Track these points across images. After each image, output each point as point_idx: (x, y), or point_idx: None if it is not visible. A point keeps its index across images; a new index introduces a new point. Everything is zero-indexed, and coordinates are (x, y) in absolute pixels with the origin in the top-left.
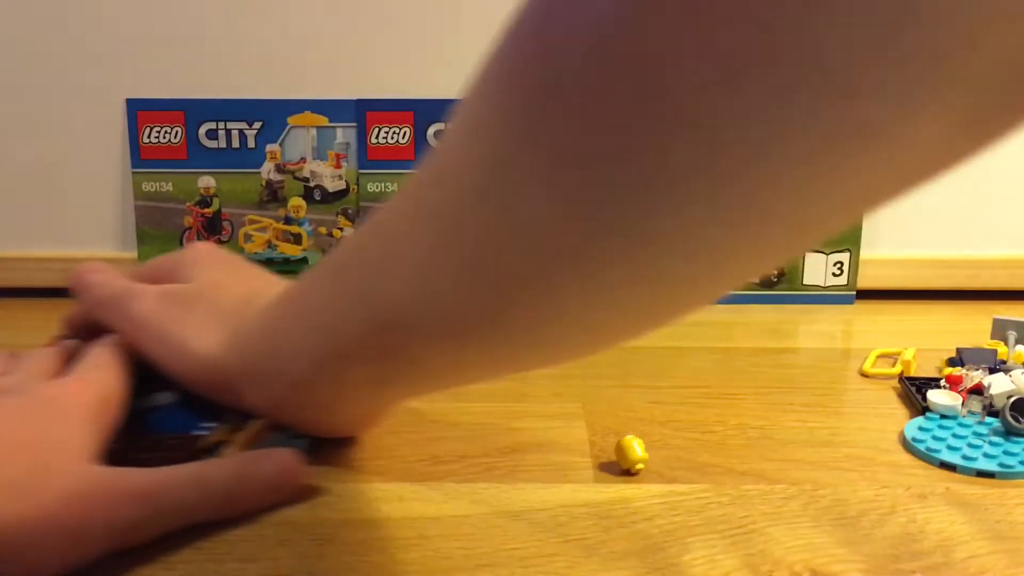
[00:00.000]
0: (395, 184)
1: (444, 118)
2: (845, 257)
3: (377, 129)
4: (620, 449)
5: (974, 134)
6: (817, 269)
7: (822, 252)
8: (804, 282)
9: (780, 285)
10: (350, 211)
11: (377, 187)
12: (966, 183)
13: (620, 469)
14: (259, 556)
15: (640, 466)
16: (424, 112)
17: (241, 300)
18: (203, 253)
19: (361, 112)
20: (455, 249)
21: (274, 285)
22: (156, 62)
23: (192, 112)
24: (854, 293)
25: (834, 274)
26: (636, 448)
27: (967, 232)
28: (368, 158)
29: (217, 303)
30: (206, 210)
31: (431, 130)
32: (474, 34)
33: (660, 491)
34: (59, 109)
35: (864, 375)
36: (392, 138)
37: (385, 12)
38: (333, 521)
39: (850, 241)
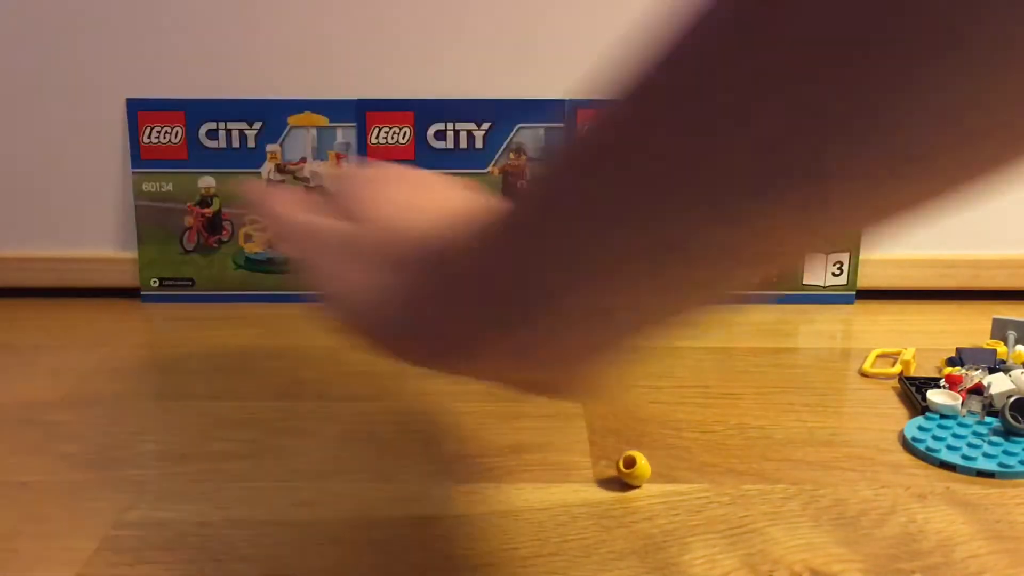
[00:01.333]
0: None
1: (444, 118)
2: (845, 257)
3: (377, 129)
4: (632, 474)
5: None
6: (817, 269)
7: (821, 252)
8: (804, 282)
9: (780, 284)
10: None
11: None
12: None
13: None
14: (259, 556)
15: (642, 481)
16: (424, 112)
17: (417, 236)
18: (364, 174)
19: (361, 112)
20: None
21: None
22: (156, 62)
23: (192, 112)
24: (854, 293)
25: (834, 274)
26: (646, 467)
27: (967, 232)
28: (368, 158)
29: (387, 243)
30: (206, 210)
31: (431, 130)
32: (474, 34)
33: (660, 491)
34: (59, 109)
35: (864, 375)
36: (392, 138)
37: (385, 12)
38: (333, 521)
39: (850, 241)
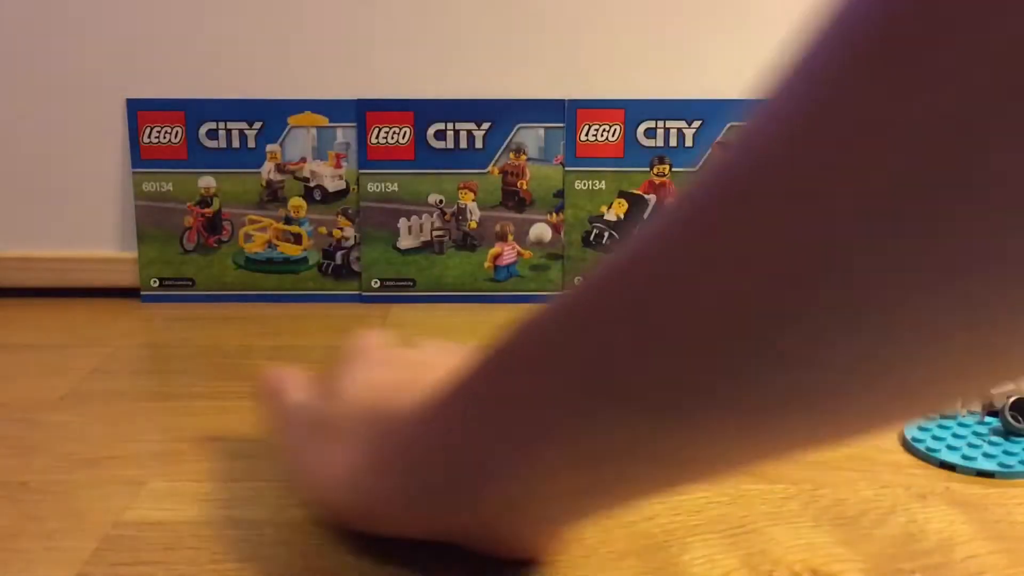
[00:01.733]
0: (395, 184)
1: (444, 118)
2: None
3: (377, 129)
4: None
5: None
6: None
7: None
8: None
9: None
10: (350, 211)
11: (377, 187)
12: None
13: None
14: (259, 556)
15: None
16: (424, 112)
17: (383, 416)
18: (355, 353)
19: (361, 112)
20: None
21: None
22: (156, 62)
23: (192, 112)
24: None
25: None
26: None
27: None
28: (368, 158)
29: (355, 422)
30: (206, 210)
31: (431, 130)
32: (473, 35)
33: None
34: (59, 109)
35: None
36: (392, 138)
37: (386, 12)
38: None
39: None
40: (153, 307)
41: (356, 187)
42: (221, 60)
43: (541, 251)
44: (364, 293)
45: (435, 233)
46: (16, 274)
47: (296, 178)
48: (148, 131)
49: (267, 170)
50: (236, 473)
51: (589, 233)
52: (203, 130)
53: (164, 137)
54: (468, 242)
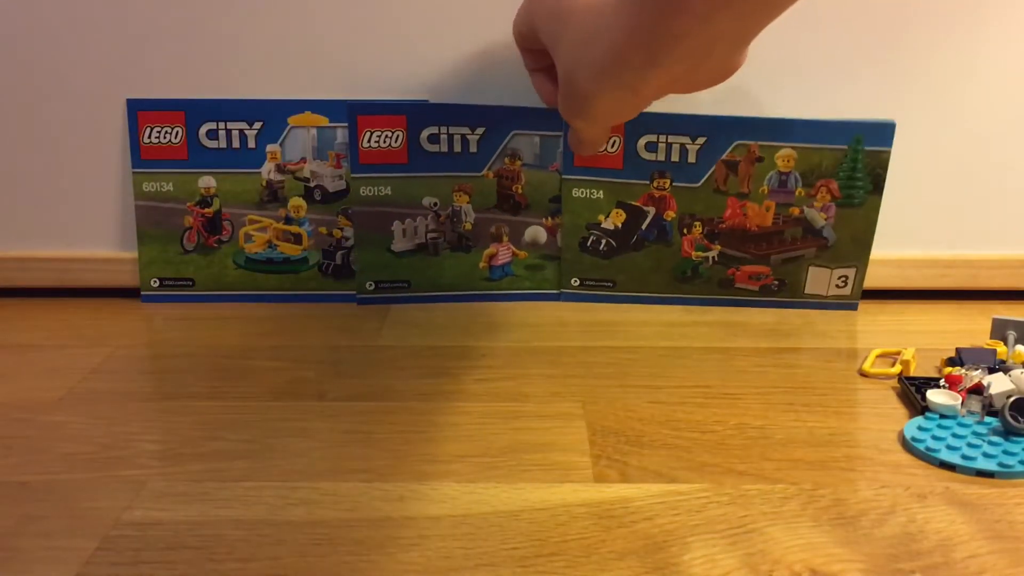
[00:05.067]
0: (388, 187)
1: (437, 122)
2: (851, 272)
3: (369, 133)
4: None
5: None
6: (820, 281)
7: (827, 267)
8: (807, 291)
9: (781, 293)
10: (350, 211)
11: (370, 191)
12: (966, 183)
13: (619, 469)
14: (259, 556)
15: None
16: (417, 116)
17: None
18: None
19: (352, 116)
20: None
21: None
22: (156, 62)
23: (192, 112)
24: (857, 302)
25: (838, 286)
26: None
27: (967, 232)
28: (360, 162)
29: None
30: (206, 210)
31: (424, 134)
32: (475, 39)
33: (660, 491)
34: (59, 109)
35: (864, 375)
36: (384, 142)
37: (386, 12)
38: (333, 521)
39: (856, 257)
40: (153, 307)
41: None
42: (221, 60)
43: (536, 252)
44: (359, 295)
45: (430, 235)
46: (16, 274)
47: (296, 178)
48: (148, 131)
49: (267, 170)
50: (236, 473)
51: (586, 239)
52: (203, 130)
53: (164, 137)
54: (463, 243)
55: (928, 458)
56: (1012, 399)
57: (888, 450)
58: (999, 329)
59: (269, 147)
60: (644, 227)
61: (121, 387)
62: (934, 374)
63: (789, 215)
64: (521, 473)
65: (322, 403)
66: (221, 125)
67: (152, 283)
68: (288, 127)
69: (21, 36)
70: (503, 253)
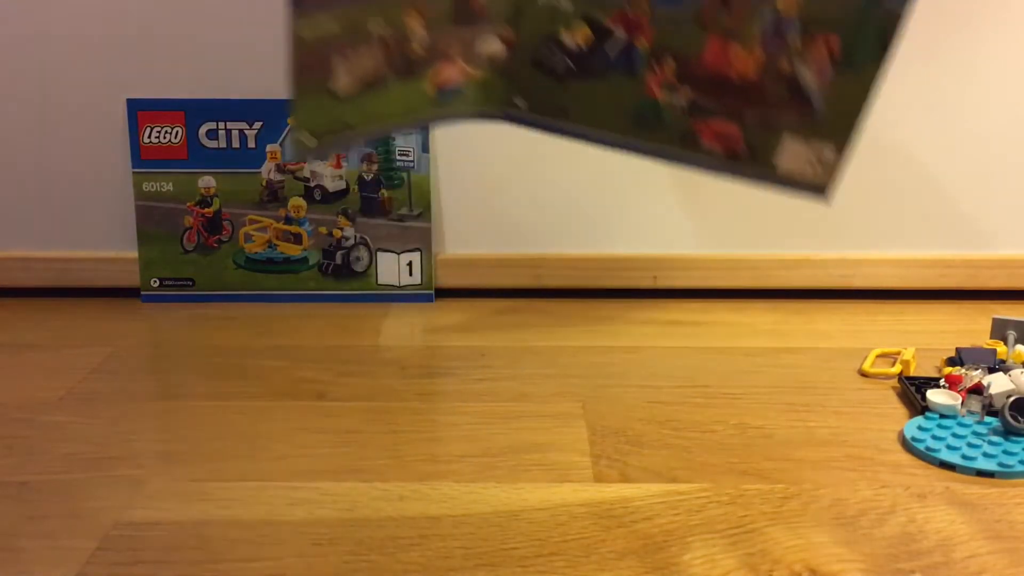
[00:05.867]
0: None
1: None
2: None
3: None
4: None
5: None
6: (795, 156)
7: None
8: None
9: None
10: (350, 211)
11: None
12: (966, 184)
13: (619, 469)
14: (259, 556)
15: None
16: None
17: None
18: None
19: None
20: None
21: None
22: (156, 62)
23: (192, 112)
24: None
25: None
26: None
27: (966, 232)
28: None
29: None
30: (206, 210)
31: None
32: None
33: (660, 491)
34: (59, 109)
35: (864, 375)
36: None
37: None
38: (333, 521)
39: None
40: (153, 307)
41: (356, 187)
42: (221, 60)
43: (488, 67)
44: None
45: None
46: (16, 274)
47: (296, 178)
48: (148, 131)
49: (267, 170)
50: (236, 473)
51: (541, 56)
52: (203, 130)
53: (164, 137)
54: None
55: (928, 458)
56: (1012, 399)
57: (888, 450)
58: (999, 329)
59: (269, 147)
60: (613, 56)
61: (121, 387)
62: (934, 374)
63: (777, 69)
64: (521, 473)
65: (322, 403)
66: (221, 125)
67: (152, 283)
68: (288, 127)
69: (22, 37)
70: (452, 74)
